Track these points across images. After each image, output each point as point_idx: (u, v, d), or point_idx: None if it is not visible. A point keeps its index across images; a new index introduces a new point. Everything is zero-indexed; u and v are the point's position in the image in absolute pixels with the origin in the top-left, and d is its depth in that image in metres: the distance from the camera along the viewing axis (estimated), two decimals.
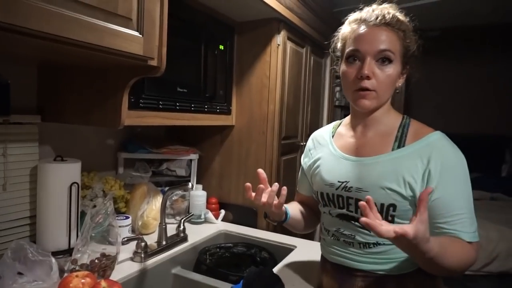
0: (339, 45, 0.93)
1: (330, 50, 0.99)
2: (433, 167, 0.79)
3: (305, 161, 1.08)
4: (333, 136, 1.01)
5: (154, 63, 0.92)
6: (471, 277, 2.13)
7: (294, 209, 1.07)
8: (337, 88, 2.60)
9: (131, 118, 1.11)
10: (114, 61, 0.88)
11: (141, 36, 0.84)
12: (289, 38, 1.69)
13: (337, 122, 1.06)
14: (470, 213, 0.81)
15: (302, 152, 1.96)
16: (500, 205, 2.76)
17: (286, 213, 1.00)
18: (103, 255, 1.07)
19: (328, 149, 0.99)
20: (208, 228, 1.58)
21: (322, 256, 1.04)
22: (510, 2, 2.53)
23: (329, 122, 2.38)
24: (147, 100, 1.18)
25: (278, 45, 1.60)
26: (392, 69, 0.83)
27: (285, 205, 0.98)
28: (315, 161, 1.02)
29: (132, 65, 0.93)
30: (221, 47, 1.54)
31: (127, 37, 0.81)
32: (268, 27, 1.61)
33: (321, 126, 2.33)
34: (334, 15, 2.11)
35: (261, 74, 1.63)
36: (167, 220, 1.52)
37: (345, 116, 1.06)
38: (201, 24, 1.42)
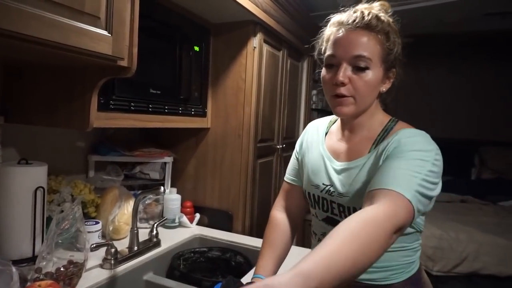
0: (322, 48, 0.90)
1: (315, 54, 0.95)
2: (391, 149, 0.76)
3: (298, 151, 1.05)
4: (326, 134, 0.98)
5: (124, 63, 0.89)
6: (441, 278, 2.18)
7: (269, 268, 0.96)
8: (314, 92, 2.62)
9: (100, 120, 1.07)
10: (81, 60, 0.84)
11: (110, 35, 0.81)
12: (265, 41, 1.69)
13: (335, 117, 1.01)
14: (407, 182, 0.67)
15: (278, 155, 1.98)
16: (469, 208, 2.85)
17: None
18: (70, 262, 1.03)
19: (318, 147, 0.96)
20: (183, 232, 1.55)
21: None
22: (477, 12, 2.63)
23: (306, 125, 2.38)
24: (118, 101, 1.14)
25: (254, 47, 1.59)
26: (370, 75, 0.80)
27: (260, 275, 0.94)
28: (304, 155, 1.00)
29: (101, 65, 0.90)
30: (196, 48, 1.52)
31: (94, 36, 0.78)
32: (244, 30, 1.60)
33: (298, 129, 2.35)
34: (311, 19, 2.13)
35: (237, 77, 1.62)
36: (140, 225, 1.49)
37: None
38: (176, 25, 1.40)
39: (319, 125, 1.03)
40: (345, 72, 0.80)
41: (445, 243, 2.21)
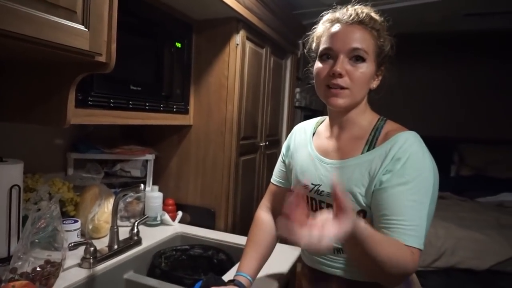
0: (313, 45, 0.92)
1: (304, 51, 0.97)
2: (393, 166, 0.77)
3: (285, 153, 1.06)
4: (314, 134, 0.99)
5: (102, 59, 0.87)
6: (421, 273, 2.23)
7: (251, 266, 0.97)
8: (297, 89, 2.63)
9: (78, 116, 1.05)
10: (57, 56, 0.82)
11: (87, 30, 0.80)
12: (248, 38, 1.68)
13: (321, 118, 1.04)
14: (417, 222, 0.75)
15: (261, 153, 1.98)
16: (447, 204, 2.92)
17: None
18: (47, 262, 1.00)
19: (306, 147, 0.97)
20: (165, 230, 1.54)
21: (301, 259, 1.05)
22: (457, 12, 2.69)
23: (289, 123, 2.40)
24: (97, 98, 1.12)
25: (237, 44, 1.59)
26: (365, 68, 0.82)
27: (243, 274, 0.94)
28: (292, 156, 1.01)
29: (78, 61, 0.88)
30: (178, 45, 1.50)
31: (71, 31, 0.76)
32: (227, 26, 1.59)
33: (281, 127, 2.36)
34: (294, 17, 2.13)
35: (220, 74, 1.61)
36: (121, 223, 1.48)
37: (305, 117, 1.05)
38: (157, 21, 1.38)
39: (306, 126, 1.04)
40: (342, 64, 0.81)
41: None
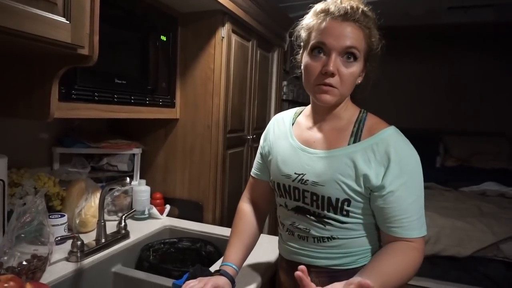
0: (303, 34, 0.90)
1: (292, 38, 0.95)
2: (387, 163, 0.81)
3: (263, 144, 1.06)
4: (293, 124, 1.00)
5: (85, 52, 0.87)
6: None
7: (236, 256, 0.99)
8: (284, 82, 2.64)
9: (62, 110, 1.04)
10: (39, 49, 0.82)
11: (68, 22, 0.79)
12: (234, 31, 1.68)
13: (299, 109, 1.04)
14: (419, 213, 0.83)
15: (249, 146, 1.99)
16: (432, 194, 2.98)
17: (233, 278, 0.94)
18: (34, 256, 1.00)
19: (286, 137, 0.97)
20: (153, 224, 1.55)
21: (279, 253, 1.06)
22: (441, 6, 2.72)
23: None
24: (81, 91, 1.11)
25: (223, 37, 1.59)
26: (355, 67, 0.83)
27: (230, 264, 0.95)
28: (271, 147, 1.01)
29: (60, 54, 0.87)
30: (163, 38, 1.50)
31: (52, 23, 0.75)
32: (212, 19, 1.59)
33: (269, 120, 2.36)
34: (281, 10, 2.13)
35: (205, 67, 1.61)
36: (109, 217, 1.48)
37: None
38: (141, 14, 1.37)
39: (284, 116, 1.04)
40: (335, 62, 0.81)
41: None
